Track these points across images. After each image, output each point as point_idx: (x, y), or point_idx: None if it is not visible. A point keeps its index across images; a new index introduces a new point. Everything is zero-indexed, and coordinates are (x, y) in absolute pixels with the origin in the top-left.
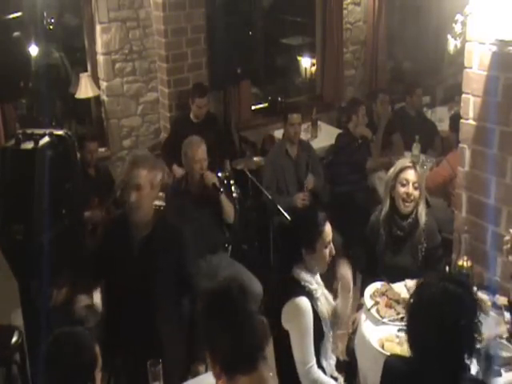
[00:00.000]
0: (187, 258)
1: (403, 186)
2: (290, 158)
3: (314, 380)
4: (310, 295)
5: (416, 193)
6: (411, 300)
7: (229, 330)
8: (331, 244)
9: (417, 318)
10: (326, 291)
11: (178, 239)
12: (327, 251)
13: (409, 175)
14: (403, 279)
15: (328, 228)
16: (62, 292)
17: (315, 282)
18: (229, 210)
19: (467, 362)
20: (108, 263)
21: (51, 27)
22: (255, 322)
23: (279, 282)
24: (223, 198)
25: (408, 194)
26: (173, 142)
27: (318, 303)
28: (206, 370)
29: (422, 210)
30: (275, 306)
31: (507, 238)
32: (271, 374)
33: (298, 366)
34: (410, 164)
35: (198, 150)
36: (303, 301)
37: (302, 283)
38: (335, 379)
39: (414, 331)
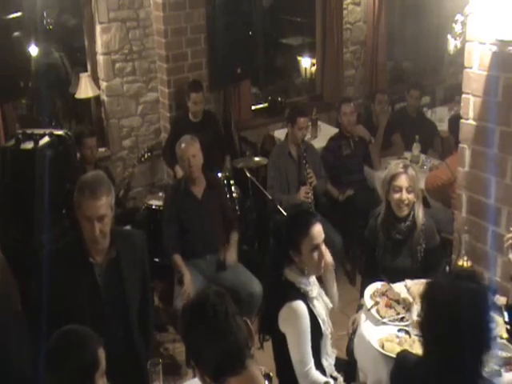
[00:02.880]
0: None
1: (396, 192)
2: (292, 160)
3: (313, 382)
4: (305, 297)
5: (410, 196)
6: (425, 303)
7: (214, 335)
8: (321, 247)
9: (433, 318)
10: (321, 290)
11: (141, 246)
12: (315, 254)
13: (401, 182)
14: (403, 280)
15: (317, 230)
16: None
17: (310, 283)
18: None
19: (483, 359)
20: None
21: (51, 27)
22: (237, 323)
23: (273, 284)
24: None
25: (401, 200)
26: (173, 142)
27: (315, 302)
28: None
29: (418, 211)
30: (271, 309)
31: (509, 235)
32: (262, 368)
33: (297, 369)
34: (402, 170)
35: (188, 149)
36: (299, 305)
37: (297, 285)
38: (335, 379)
39: (430, 333)
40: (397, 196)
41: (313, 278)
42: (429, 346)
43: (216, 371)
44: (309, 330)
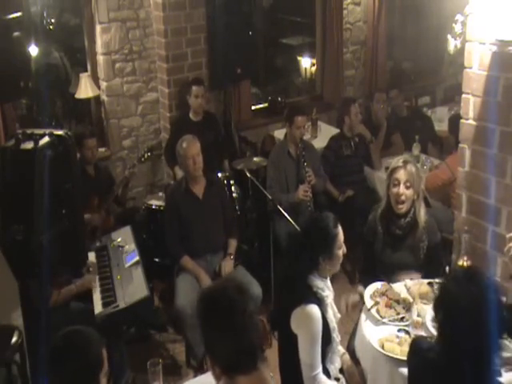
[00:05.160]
0: None
1: (395, 186)
2: (292, 159)
3: None
4: (320, 302)
5: (408, 192)
6: (439, 308)
7: (227, 330)
8: (343, 244)
9: (449, 322)
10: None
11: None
12: (341, 252)
13: (399, 175)
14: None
15: (340, 229)
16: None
17: (327, 288)
18: None
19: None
20: None
21: (51, 27)
22: (253, 322)
23: (290, 283)
24: None
25: (399, 194)
26: (173, 143)
27: (328, 309)
28: None
29: (420, 210)
30: (283, 309)
31: (510, 234)
32: (271, 373)
33: (305, 372)
34: (401, 164)
35: (191, 147)
36: (314, 308)
37: (314, 289)
38: (337, 380)
39: (446, 332)
40: (395, 190)
41: (329, 284)
42: (445, 338)
43: (227, 366)
44: (320, 334)
